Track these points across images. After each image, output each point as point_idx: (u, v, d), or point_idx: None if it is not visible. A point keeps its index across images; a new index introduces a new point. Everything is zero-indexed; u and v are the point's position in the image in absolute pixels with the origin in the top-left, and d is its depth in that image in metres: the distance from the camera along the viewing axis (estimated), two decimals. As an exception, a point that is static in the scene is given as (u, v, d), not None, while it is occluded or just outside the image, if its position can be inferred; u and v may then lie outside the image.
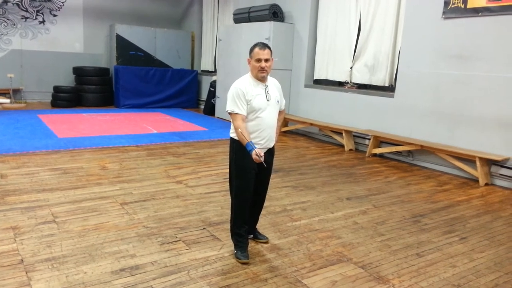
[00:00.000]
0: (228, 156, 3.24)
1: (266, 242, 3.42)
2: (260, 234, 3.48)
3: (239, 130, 2.93)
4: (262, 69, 2.99)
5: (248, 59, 3.07)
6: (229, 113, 3.02)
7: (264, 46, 3.03)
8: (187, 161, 5.97)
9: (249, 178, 3.08)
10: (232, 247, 3.21)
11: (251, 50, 3.04)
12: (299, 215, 4.11)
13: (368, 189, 5.10)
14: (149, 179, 4.99)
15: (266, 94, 3.06)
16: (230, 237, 3.27)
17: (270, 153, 3.19)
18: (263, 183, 3.28)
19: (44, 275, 2.76)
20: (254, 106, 2.99)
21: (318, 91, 8.41)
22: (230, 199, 3.28)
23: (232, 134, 3.11)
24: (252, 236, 3.42)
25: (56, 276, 2.75)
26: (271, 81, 3.18)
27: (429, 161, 6.41)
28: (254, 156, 2.86)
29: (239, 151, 3.04)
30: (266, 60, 2.99)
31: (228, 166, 3.25)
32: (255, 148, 2.87)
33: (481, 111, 5.74)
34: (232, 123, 3.06)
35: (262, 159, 2.84)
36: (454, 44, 6.00)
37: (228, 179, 3.29)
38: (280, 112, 3.28)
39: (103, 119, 9.10)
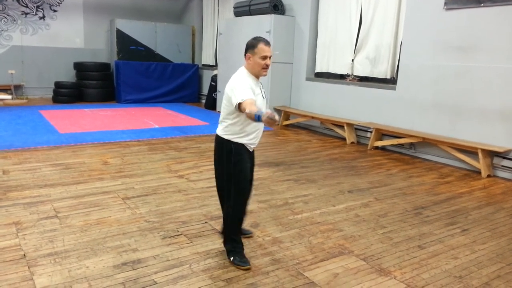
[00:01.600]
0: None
1: (251, 236, 3.35)
2: (244, 229, 3.36)
3: (249, 107, 2.55)
4: (267, 67, 2.83)
5: (248, 55, 2.84)
6: (239, 104, 2.65)
7: (268, 42, 2.86)
8: (188, 155, 5.97)
9: (248, 177, 2.99)
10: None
11: (254, 45, 2.81)
12: (301, 208, 4.11)
13: (370, 182, 5.09)
14: (150, 174, 5.00)
15: (263, 92, 2.95)
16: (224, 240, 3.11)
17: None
18: (251, 179, 3.15)
19: (46, 269, 2.77)
20: (256, 105, 2.78)
21: (320, 84, 8.38)
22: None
23: (227, 136, 2.88)
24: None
25: (58, 271, 2.76)
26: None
27: (431, 153, 6.39)
28: (267, 117, 2.41)
29: (238, 154, 2.87)
30: (270, 58, 2.84)
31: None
32: (262, 113, 2.49)
33: (483, 102, 5.71)
34: (239, 112, 2.74)
35: (276, 117, 2.45)
36: (456, 35, 5.96)
37: (217, 187, 3.14)
38: None
39: (105, 114, 9.10)
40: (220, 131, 2.93)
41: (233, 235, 3.01)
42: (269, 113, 2.42)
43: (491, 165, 5.66)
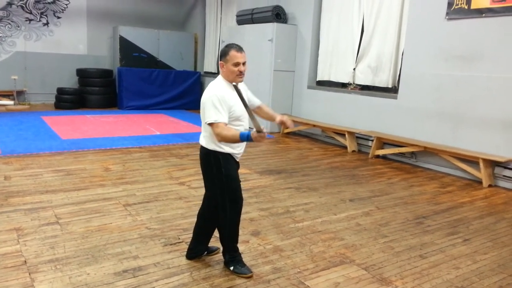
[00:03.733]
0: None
1: (218, 252, 3.21)
2: (210, 246, 3.26)
3: (226, 133, 2.63)
4: (240, 74, 2.77)
5: (221, 63, 2.81)
6: (211, 124, 2.68)
7: (240, 48, 2.80)
8: (190, 162, 5.98)
9: (240, 185, 2.94)
10: None
11: (226, 52, 2.77)
12: (302, 216, 4.11)
13: (371, 191, 5.09)
14: (152, 181, 5.00)
15: (244, 97, 2.80)
16: (222, 253, 3.07)
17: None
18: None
19: (47, 276, 2.77)
20: (237, 113, 2.76)
21: (321, 92, 8.40)
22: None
23: (213, 147, 2.81)
24: (206, 252, 3.19)
25: (59, 278, 2.76)
26: (240, 84, 2.94)
27: (432, 162, 6.39)
28: (258, 135, 2.51)
29: (227, 163, 2.82)
30: (244, 64, 2.78)
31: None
32: (251, 131, 2.57)
33: (484, 112, 5.72)
34: (213, 134, 2.71)
35: (265, 131, 2.53)
36: (457, 45, 5.99)
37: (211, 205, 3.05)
38: (259, 107, 3.09)
39: (107, 121, 9.12)
40: (205, 143, 2.86)
41: (233, 243, 3.00)
42: (262, 136, 2.50)
43: (493, 175, 5.66)
